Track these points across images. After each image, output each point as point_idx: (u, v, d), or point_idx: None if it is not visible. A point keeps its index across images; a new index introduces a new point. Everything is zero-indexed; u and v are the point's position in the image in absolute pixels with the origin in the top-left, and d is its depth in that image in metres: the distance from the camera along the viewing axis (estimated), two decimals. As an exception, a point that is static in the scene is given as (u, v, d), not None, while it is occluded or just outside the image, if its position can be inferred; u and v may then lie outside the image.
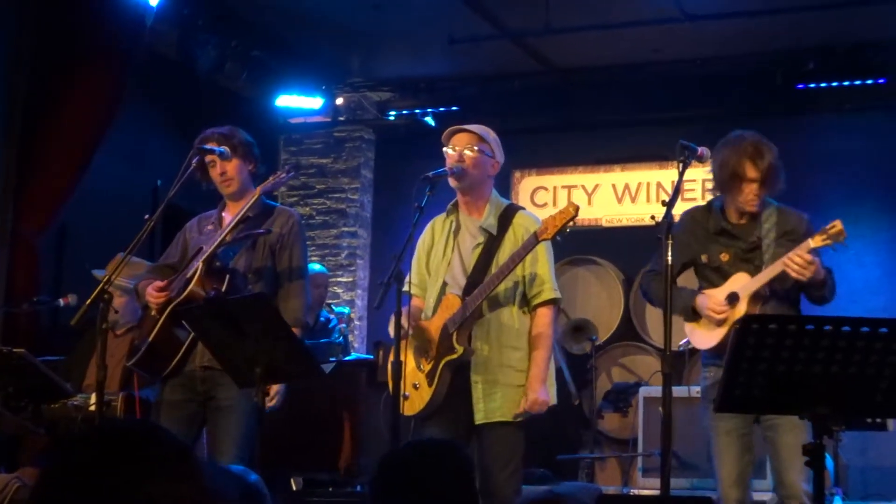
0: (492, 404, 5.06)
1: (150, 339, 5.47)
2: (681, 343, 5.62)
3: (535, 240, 4.96)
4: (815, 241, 4.86)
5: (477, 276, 5.11)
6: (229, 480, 2.39)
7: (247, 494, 2.93)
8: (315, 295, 8.71)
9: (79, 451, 1.80)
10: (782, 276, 4.98)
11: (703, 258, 5.22)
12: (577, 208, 4.90)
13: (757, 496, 6.71)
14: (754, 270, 5.07)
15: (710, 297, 5.11)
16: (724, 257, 5.16)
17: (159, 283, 5.50)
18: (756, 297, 5.03)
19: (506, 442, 5.06)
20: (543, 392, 5.06)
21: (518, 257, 4.99)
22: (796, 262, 4.86)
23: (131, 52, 8.23)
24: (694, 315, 5.17)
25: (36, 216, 7.98)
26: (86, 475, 1.76)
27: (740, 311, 5.00)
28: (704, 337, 5.17)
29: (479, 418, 5.06)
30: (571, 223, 4.89)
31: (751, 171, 5.04)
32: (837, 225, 4.84)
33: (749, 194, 5.08)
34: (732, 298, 5.07)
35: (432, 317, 5.19)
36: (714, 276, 5.19)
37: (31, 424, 6.19)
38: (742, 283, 5.07)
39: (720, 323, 5.07)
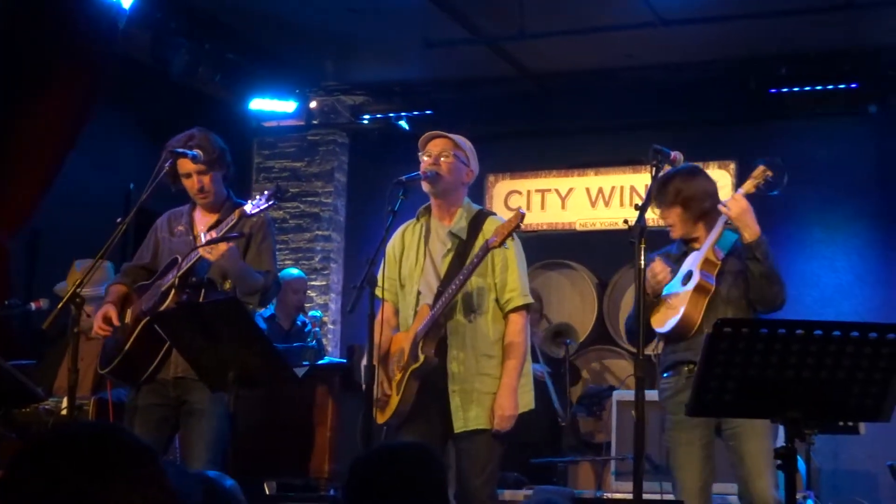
0: (470, 413, 5.06)
1: (126, 348, 5.46)
2: (652, 348, 5.64)
3: (485, 249, 4.96)
4: (745, 188, 4.99)
5: (446, 284, 5.10)
6: (195, 483, 2.38)
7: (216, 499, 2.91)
8: (293, 300, 8.72)
9: (42, 454, 1.80)
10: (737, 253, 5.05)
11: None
12: (522, 216, 4.91)
13: (731, 499, 6.74)
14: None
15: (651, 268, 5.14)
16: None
17: (112, 313, 5.49)
18: (707, 264, 5.05)
19: (482, 448, 5.06)
20: (512, 406, 5.06)
21: (473, 266, 4.99)
22: (728, 202, 4.96)
23: (104, 55, 8.20)
24: (653, 298, 5.19)
25: (8, 220, 7.93)
26: (49, 478, 1.75)
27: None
28: (661, 320, 5.18)
29: (459, 427, 5.06)
30: (517, 230, 4.91)
31: (664, 214, 5.21)
32: (759, 167, 4.94)
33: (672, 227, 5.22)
34: (687, 277, 5.10)
35: (410, 327, 5.20)
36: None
37: (2, 429, 6.15)
38: (692, 259, 5.12)
39: (669, 297, 5.10)
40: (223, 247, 5.26)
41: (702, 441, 5.05)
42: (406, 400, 5.10)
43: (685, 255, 5.21)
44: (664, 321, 5.15)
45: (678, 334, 5.07)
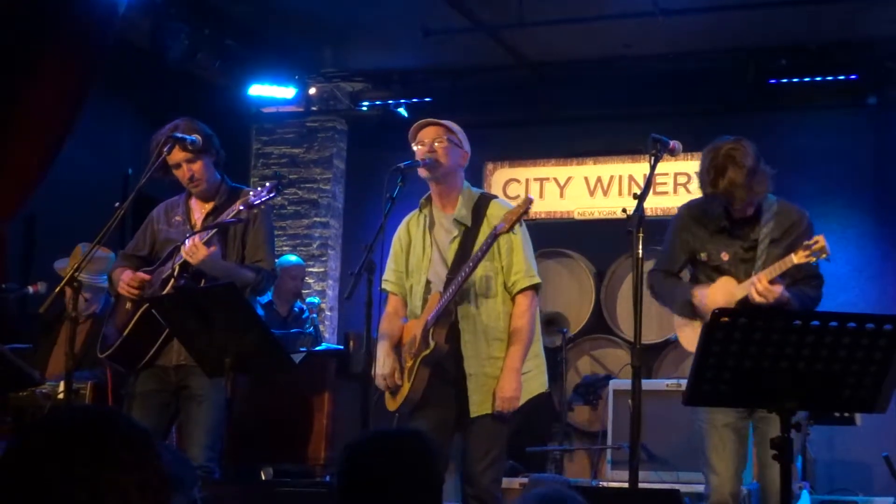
0: (481, 396, 5.09)
1: (125, 333, 5.47)
2: (671, 336, 5.63)
3: (493, 236, 4.97)
4: (797, 257, 4.87)
5: (455, 271, 5.12)
6: (190, 469, 2.39)
7: None
8: (290, 286, 8.72)
9: (37, 438, 1.80)
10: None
11: (703, 256, 5.19)
12: (530, 202, 4.93)
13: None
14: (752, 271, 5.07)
15: (712, 293, 5.10)
16: (725, 256, 5.14)
17: (144, 277, 5.50)
18: (744, 304, 5.03)
19: (486, 432, 5.08)
20: (514, 388, 5.06)
21: (482, 254, 5.00)
22: (758, 288, 4.89)
23: (103, 39, 8.17)
24: (691, 310, 5.16)
25: (4, 204, 7.92)
26: (43, 461, 1.76)
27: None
28: (694, 338, 5.17)
29: (475, 411, 5.08)
30: (525, 216, 4.92)
31: (719, 187, 5.05)
32: (820, 241, 4.84)
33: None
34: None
35: (421, 315, 5.21)
36: (714, 274, 5.17)
37: (-1, 413, 6.17)
38: (728, 288, 5.07)
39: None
40: (203, 253, 5.30)
41: (736, 424, 5.03)
42: (417, 387, 5.11)
43: (723, 231, 5.17)
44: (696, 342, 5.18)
45: None
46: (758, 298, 4.90)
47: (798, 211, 5.19)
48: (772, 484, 4.89)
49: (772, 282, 4.91)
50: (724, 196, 5.00)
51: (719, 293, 5.08)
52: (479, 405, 5.07)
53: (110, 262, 6.85)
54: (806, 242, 4.87)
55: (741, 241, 5.14)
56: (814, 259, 4.86)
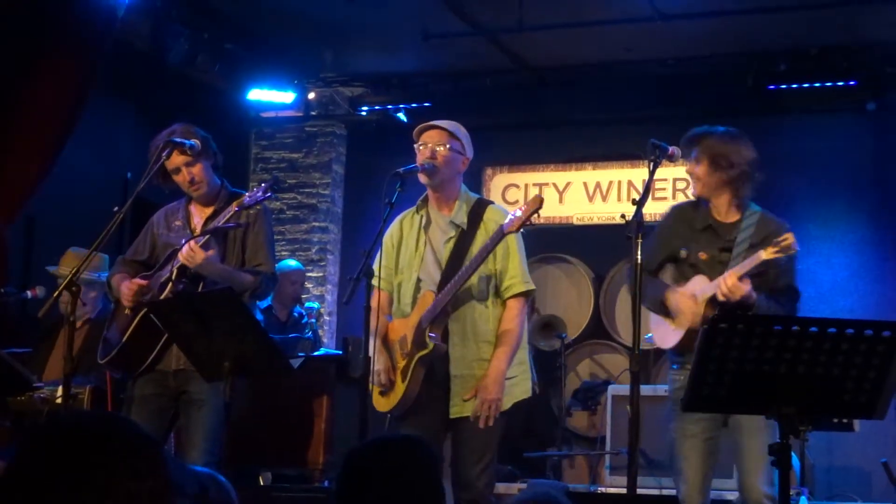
0: (467, 399, 5.07)
1: (124, 339, 5.47)
2: (645, 336, 5.64)
3: (500, 233, 4.98)
4: (766, 253, 4.88)
5: (450, 272, 5.11)
6: (191, 476, 2.39)
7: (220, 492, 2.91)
8: (290, 291, 8.73)
9: (45, 443, 1.80)
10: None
11: (682, 254, 5.22)
12: (541, 201, 4.93)
13: (728, 495, 6.75)
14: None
15: (681, 296, 5.12)
16: (703, 256, 5.16)
17: (141, 283, 5.50)
18: (712, 302, 5.03)
19: (479, 436, 5.06)
20: (495, 391, 5.04)
21: (486, 251, 5.00)
22: (727, 283, 4.90)
23: (102, 42, 8.17)
24: (663, 309, 5.18)
25: (4, 206, 7.91)
26: (52, 466, 1.76)
27: (698, 314, 5.04)
28: (666, 335, 5.20)
29: (455, 412, 5.08)
30: (536, 215, 4.92)
31: (689, 165, 5.15)
32: (788, 238, 4.85)
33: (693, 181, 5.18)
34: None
35: (410, 314, 5.19)
36: (690, 272, 5.19)
37: (-2, 417, 6.16)
38: (700, 286, 5.09)
39: (682, 323, 5.10)
40: (201, 256, 5.30)
41: (706, 434, 5.04)
42: (412, 388, 5.10)
43: (708, 230, 5.19)
44: (669, 338, 5.17)
45: (682, 351, 5.11)
46: (724, 293, 4.90)
47: (779, 223, 5.19)
48: (750, 490, 4.92)
49: (741, 279, 4.91)
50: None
51: (687, 294, 5.10)
52: (467, 407, 5.06)
53: (104, 260, 6.87)
54: (775, 239, 4.88)
55: (722, 242, 5.16)
56: (782, 255, 4.85)
